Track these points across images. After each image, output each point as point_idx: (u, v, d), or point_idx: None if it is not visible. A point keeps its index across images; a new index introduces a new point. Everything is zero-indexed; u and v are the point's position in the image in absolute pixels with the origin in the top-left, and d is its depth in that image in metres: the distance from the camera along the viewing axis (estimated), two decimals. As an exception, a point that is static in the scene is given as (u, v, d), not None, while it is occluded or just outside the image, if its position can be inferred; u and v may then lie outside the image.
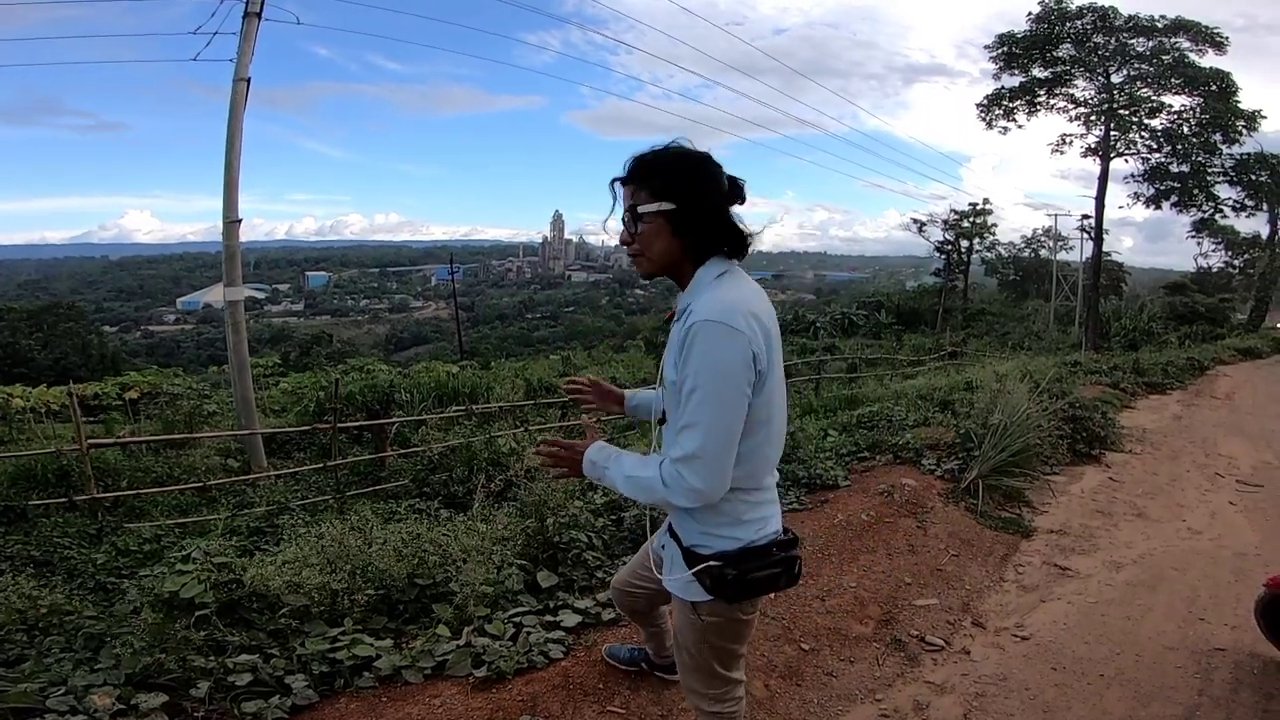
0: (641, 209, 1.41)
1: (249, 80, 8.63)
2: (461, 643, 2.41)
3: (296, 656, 2.30)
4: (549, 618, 2.65)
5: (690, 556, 1.51)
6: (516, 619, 2.61)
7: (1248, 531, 4.63)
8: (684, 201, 1.39)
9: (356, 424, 9.36)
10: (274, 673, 2.22)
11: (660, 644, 2.32)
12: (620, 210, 1.48)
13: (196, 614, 2.41)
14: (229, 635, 2.38)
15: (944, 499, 4.51)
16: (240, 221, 9.05)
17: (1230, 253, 39.32)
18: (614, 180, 1.47)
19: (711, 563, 1.46)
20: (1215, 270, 40.51)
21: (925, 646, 2.93)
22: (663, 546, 1.68)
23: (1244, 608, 3.39)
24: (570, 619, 2.63)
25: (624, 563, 3.17)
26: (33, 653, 2.63)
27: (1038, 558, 3.99)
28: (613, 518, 3.68)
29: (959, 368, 16.37)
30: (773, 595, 3.05)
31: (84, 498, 6.56)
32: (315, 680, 2.22)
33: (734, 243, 1.45)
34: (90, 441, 6.93)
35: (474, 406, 9.66)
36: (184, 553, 2.76)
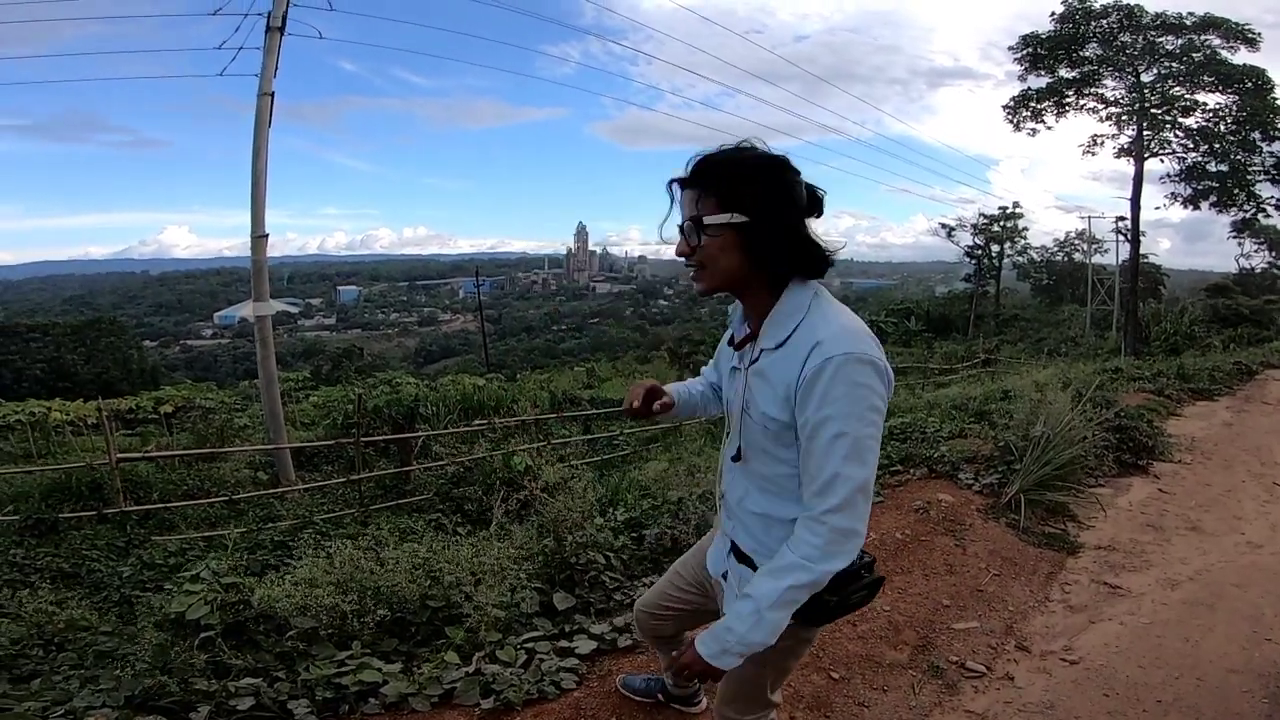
0: (707, 220, 1.24)
1: (273, 95, 8.76)
2: (471, 670, 2.30)
3: (301, 681, 2.21)
4: (563, 643, 2.53)
5: None
6: (529, 644, 2.49)
7: (1312, 546, 4.35)
8: (757, 214, 1.22)
9: (381, 438, 9.37)
10: (277, 697, 2.14)
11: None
12: (677, 216, 1.31)
13: (201, 635, 2.34)
14: (233, 658, 2.31)
15: (983, 515, 4.29)
16: (267, 236, 9.17)
17: (1274, 253, 38.10)
18: (673, 181, 1.30)
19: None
20: (1258, 271, 39.24)
21: (965, 673, 2.74)
22: (724, 574, 1.55)
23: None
24: (585, 645, 2.50)
25: (645, 584, 3.08)
26: (45, 669, 2.60)
27: (1085, 576, 3.76)
28: (633, 536, 3.56)
29: (993, 375, 15.96)
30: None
31: (113, 510, 6.64)
32: (318, 706, 2.13)
33: (811, 262, 1.29)
34: (119, 455, 7.02)
35: (495, 420, 9.62)
36: (193, 572, 2.70)
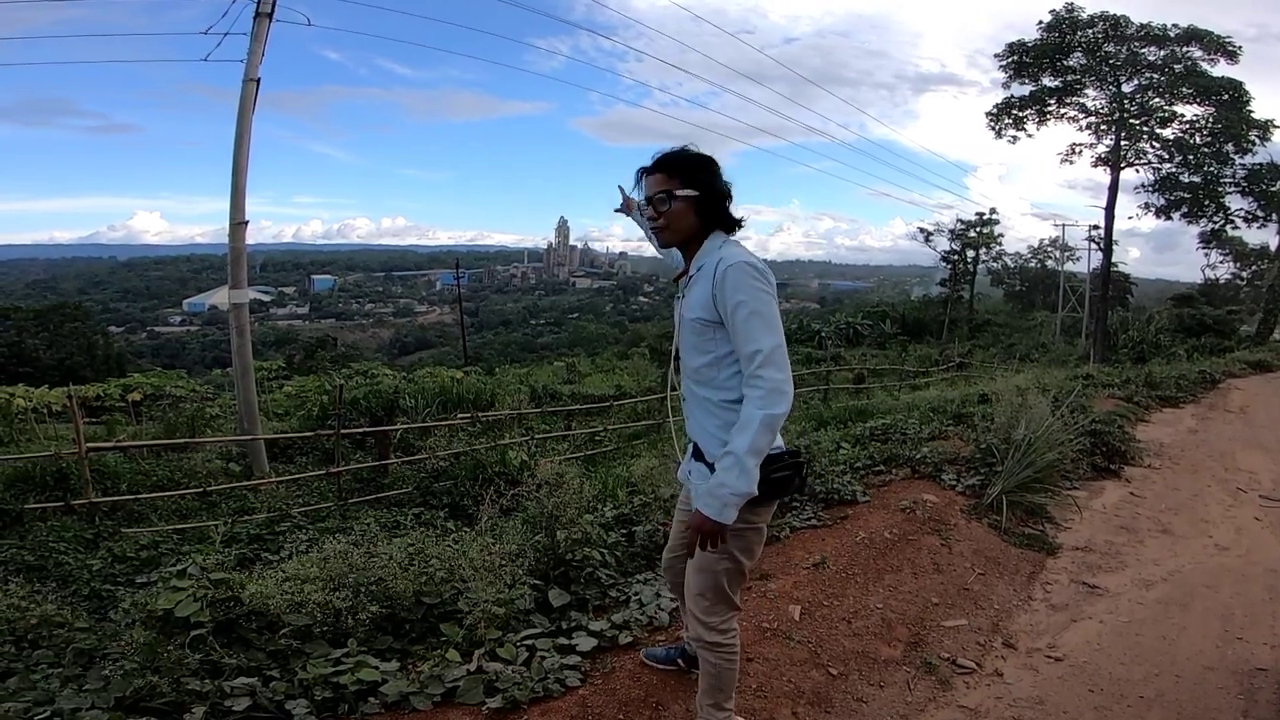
0: (678, 192, 1.81)
1: (259, 81, 8.58)
2: (472, 668, 2.27)
3: (298, 680, 2.17)
4: (562, 640, 2.51)
5: None
6: (529, 642, 2.47)
7: (1276, 547, 4.51)
8: (705, 190, 1.83)
9: (360, 430, 9.23)
10: (273, 697, 2.09)
11: None
12: (641, 194, 1.94)
13: (192, 633, 2.28)
14: (226, 656, 2.25)
15: (966, 515, 4.36)
16: (247, 223, 8.98)
17: (1238, 264, 39.24)
18: (642, 170, 1.90)
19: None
20: (1223, 282, 40.36)
21: (957, 669, 2.80)
22: (689, 474, 1.98)
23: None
24: (585, 642, 2.50)
25: (640, 580, 3.09)
26: (20, 667, 2.51)
27: (1065, 576, 3.85)
28: (623, 532, 3.56)
29: (967, 380, 16.23)
30: (797, 616, 2.94)
31: (81, 502, 6.44)
32: (317, 706, 2.09)
33: (729, 223, 1.89)
34: (89, 445, 6.82)
35: (480, 414, 9.53)
36: (179, 567, 2.62)
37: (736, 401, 1.74)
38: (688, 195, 1.81)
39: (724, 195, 1.86)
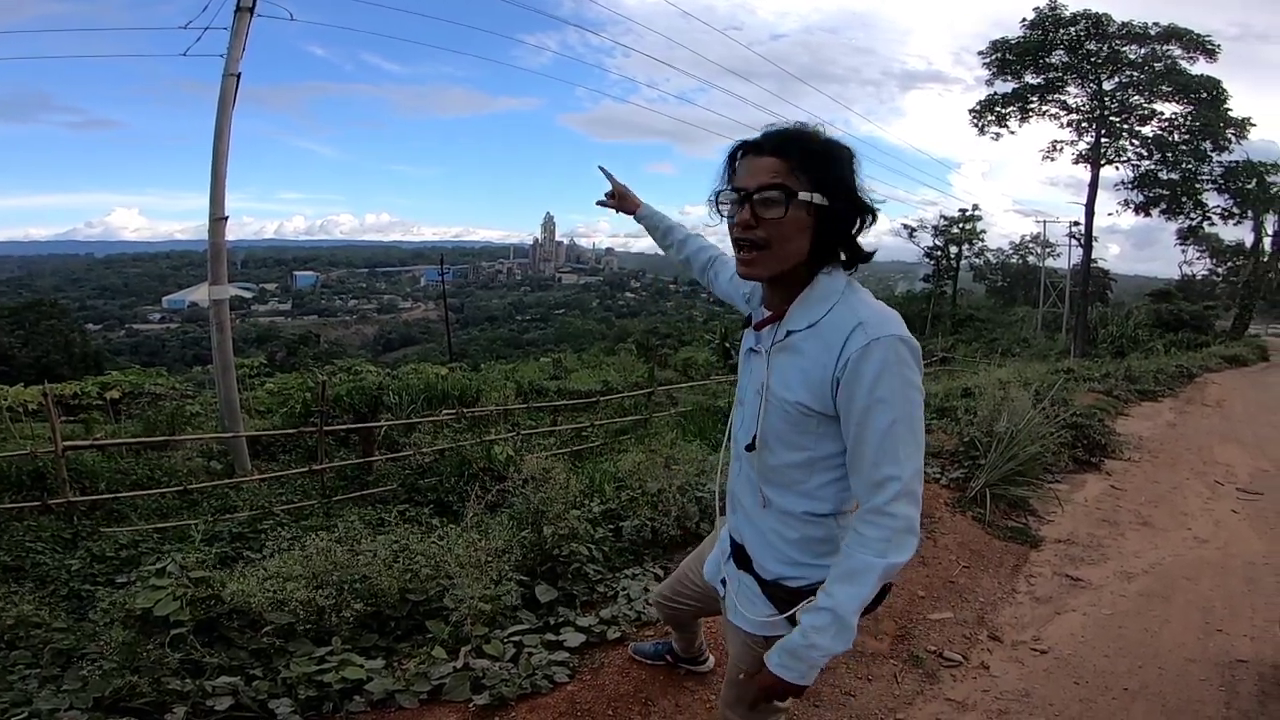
0: (802, 195, 1.15)
1: (239, 76, 8.43)
2: (459, 665, 2.25)
3: (281, 679, 2.14)
4: (550, 636, 2.50)
5: (776, 590, 1.36)
6: (516, 638, 2.45)
7: (1254, 540, 4.57)
8: (839, 201, 1.18)
9: (344, 426, 9.13)
10: (257, 696, 2.06)
11: (690, 643, 2.31)
12: (721, 185, 1.26)
13: (172, 633, 2.24)
14: (207, 655, 2.22)
15: (951, 508, 4.41)
16: (227, 219, 8.84)
17: (1214, 260, 39.83)
18: (742, 148, 1.22)
19: (811, 598, 1.26)
20: (1200, 278, 40.97)
21: (943, 662, 2.82)
22: (723, 580, 1.52)
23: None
24: (573, 638, 2.48)
25: (628, 575, 3.08)
26: (-2, 668, 2.46)
27: (1048, 568, 3.89)
28: (611, 528, 3.54)
29: (950, 374, 16.35)
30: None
31: (59, 501, 6.32)
32: (301, 705, 2.06)
33: (855, 254, 1.26)
34: (66, 443, 6.69)
35: (465, 410, 9.46)
36: (159, 565, 2.57)
37: (825, 516, 1.31)
38: (813, 202, 1.16)
39: (866, 210, 1.22)
